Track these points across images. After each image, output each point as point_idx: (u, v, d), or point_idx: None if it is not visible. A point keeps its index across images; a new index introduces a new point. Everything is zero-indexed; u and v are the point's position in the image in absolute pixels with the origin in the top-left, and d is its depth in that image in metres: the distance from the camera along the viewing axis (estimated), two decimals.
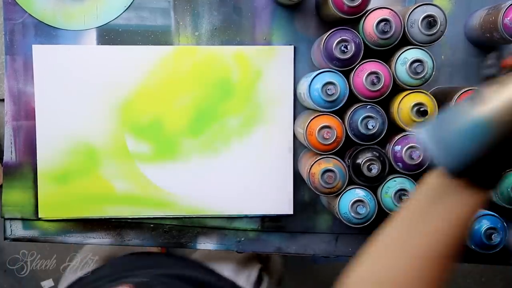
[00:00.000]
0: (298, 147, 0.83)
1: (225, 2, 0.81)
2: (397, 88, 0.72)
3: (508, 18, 0.71)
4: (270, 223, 0.85)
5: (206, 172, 0.82)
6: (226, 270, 0.94)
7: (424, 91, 0.70)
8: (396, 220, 0.50)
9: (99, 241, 0.84)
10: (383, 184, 0.72)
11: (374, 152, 0.72)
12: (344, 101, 0.71)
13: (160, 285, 0.74)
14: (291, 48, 0.82)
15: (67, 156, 0.81)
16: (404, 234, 0.48)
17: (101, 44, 0.81)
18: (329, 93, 0.69)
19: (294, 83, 0.82)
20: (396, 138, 0.71)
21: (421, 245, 0.47)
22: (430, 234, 0.47)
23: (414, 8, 0.69)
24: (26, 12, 0.80)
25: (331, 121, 0.71)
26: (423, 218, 0.48)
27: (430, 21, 0.68)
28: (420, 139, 0.49)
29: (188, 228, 0.85)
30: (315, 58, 0.78)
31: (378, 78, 0.69)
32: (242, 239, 0.85)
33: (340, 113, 0.72)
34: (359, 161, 0.71)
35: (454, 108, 0.48)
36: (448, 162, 0.47)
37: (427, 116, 0.69)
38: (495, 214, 0.73)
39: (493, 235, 0.70)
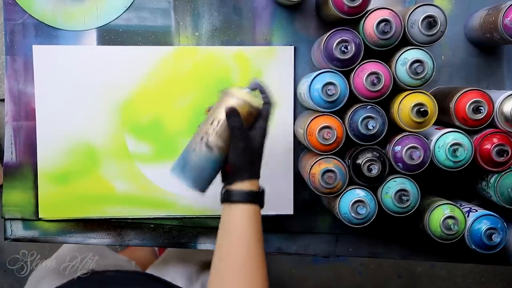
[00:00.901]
0: (298, 147, 0.83)
1: (225, 3, 0.81)
2: (397, 88, 0.72)
3: (508, 19, 0.71)
4: (270, 223, 0.85)
5: None
6: (180, 279, 0.92)
7: (424, 92, 0.70)
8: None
9: (99, 241, 0.84)
10: (383, 185, 0.72)
11: (374, 153, 0.72)
12: (344, 101, 0.71)
13: None
14: (291, 49, 0.82)
15: (67, 156, 0.81)
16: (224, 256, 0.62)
17: (101, 45, 0.81)
18: (329, 93, 0.69)
19: (294, 83, 0.82)
20: (396, 138, 0.71)
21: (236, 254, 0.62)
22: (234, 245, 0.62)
23: (414, 9, 0.69)
24: (26, 12, 0.80)
25: (331, 121, 0.71)
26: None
27: (430, 22, 0.68)
28: (173, 175, 0.66)
29: (188, 228, 0.85)
30: (315, 59, 0.78)
31: (378, 79, 0.69)
32: None
33: (340, 114, 0.72)
34: (359, 161, 0.71)
35: (188, 147, 0.66)
36: (199, 186, 0.65)
37: (427, 116, 0.69)
38: (495, 214, 0.73)
39: (493, 235, 0.70)
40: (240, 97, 0.64)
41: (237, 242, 0.62)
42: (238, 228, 0.63)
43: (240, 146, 0.63)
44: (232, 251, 0.62)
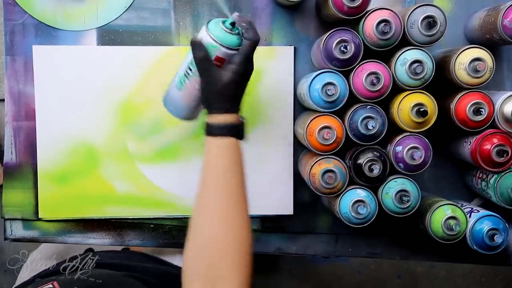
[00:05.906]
0: (298, 147, 0.83)
1: (225, 3, 0.81)
2: (397, 88, 0.72)
3: (508, 19, 0.71)
4: (270, 224, 0.85)
5: None
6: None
7: (424, 92, 0.70)
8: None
9: (99, 241, 0.84)
10: (383, 185, 0.72)
11: (375, 152, 0.72)
12: (344, 101, 0.71)
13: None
14: (291, 49, 0.82)
15: (67, 156, 0.81)
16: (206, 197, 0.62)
17: (101, 45, 0.81)
18: (329, 93, 0.69)
19: (294, 83, 0.82)
20: (397, 138, 0.71)
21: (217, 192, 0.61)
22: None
23: (414, 9, 0.69)
24: (26, 12, 0.80)
25: (331, 121, 0.71)
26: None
27: (430, 22, 0.68)
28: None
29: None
30: (315, 59, 0.78)
31: (378, 79, 0.69)
32: None
33: (340, 114, 0.72)
34: (360, 161, 0.71)
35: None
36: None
37: (427, 116, 0.69)
38: (497, 215, 0.72)
39: (495, 236, 0.70)
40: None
41: (214, 176, 0.61)
42: (213, 161, 0.62)
43: (203, 79, 0.63)
44: (209, 185, 0.61)
